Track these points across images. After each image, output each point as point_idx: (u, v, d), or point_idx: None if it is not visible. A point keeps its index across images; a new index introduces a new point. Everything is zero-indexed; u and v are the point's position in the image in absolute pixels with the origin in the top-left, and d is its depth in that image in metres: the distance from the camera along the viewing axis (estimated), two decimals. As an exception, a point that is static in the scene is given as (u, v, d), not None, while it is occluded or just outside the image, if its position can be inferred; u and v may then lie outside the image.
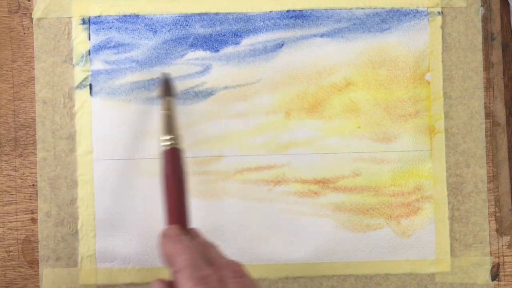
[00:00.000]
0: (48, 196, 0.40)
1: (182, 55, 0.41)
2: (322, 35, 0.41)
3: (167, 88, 0.38)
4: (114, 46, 0.41)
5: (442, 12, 0.41)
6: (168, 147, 0.33)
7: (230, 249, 0.40)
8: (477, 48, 0.41)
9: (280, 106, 0.41)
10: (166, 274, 0.40)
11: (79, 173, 0.40)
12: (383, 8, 0.41)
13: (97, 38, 0.40)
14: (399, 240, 0.41)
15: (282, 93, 0.41)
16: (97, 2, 0.40)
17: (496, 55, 0.42)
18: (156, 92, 0.40)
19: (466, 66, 0.41)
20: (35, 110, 0.40)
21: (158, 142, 0.34)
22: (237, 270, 0.27)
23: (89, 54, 0.40)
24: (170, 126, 0.34)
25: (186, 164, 0.33)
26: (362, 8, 0.41)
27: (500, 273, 0.41)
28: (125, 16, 0.41)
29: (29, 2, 0.41)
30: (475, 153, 0.41)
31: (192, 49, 0.41)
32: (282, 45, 0.41)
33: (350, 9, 0.41)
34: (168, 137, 0.33)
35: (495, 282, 0.41)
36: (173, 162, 0.32)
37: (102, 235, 0.40)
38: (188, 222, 0.32)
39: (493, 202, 0.41)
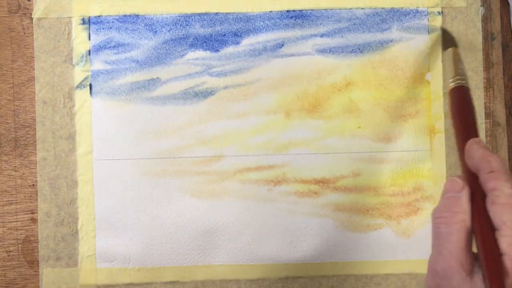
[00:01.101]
0: (48, 196, 0.40)
1: (182, 55, 0.41)
2: (322, 35, 0.41)
3: (450, 39, 0.40)
4: (114, 46, 0.40)
5: (442, 12, 0.41)
6: (454, 85, 0.35)
7: (230, 249, 0.40)
8: (477, 48, 0.41)
9: (280, 106, 0.41)
10: (166, 275, 0.40)
11: (79, 173, 0.40)
12: (383, 8, 0.41)
13: (97, 38, 0.40)
14: (399, 240, 0.41)
15: (282, 93, 0.41)
16: (97, 2, 0.40)
17: (496, 55, 0.42)
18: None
19: (466, 66, 0.41)
20: (35, 110, 0.40)
21: (448, 83, 0.36)
22: None
23: (89, 54, 0.40)
24: (457, 68, 0.36)
25: (473, 100, 0.35)
26: (362, 8, 0.41)
27: (500, 273, 0.41)
28: (125, 16, 0.41)
29: (29, 2, 0.41)
30: (475, 153, 0.41)
31: (192, 49, 0.41)
32: (282, 45, 0.41)
33: (350, 9, 0.41)
34: (455, 77, 0.35)
35: (495, 282, 0.41)
36: (459, 97, 0.35)
37: (102, 235, 0.40)
38: None
39: (493, 202, 0.41)
